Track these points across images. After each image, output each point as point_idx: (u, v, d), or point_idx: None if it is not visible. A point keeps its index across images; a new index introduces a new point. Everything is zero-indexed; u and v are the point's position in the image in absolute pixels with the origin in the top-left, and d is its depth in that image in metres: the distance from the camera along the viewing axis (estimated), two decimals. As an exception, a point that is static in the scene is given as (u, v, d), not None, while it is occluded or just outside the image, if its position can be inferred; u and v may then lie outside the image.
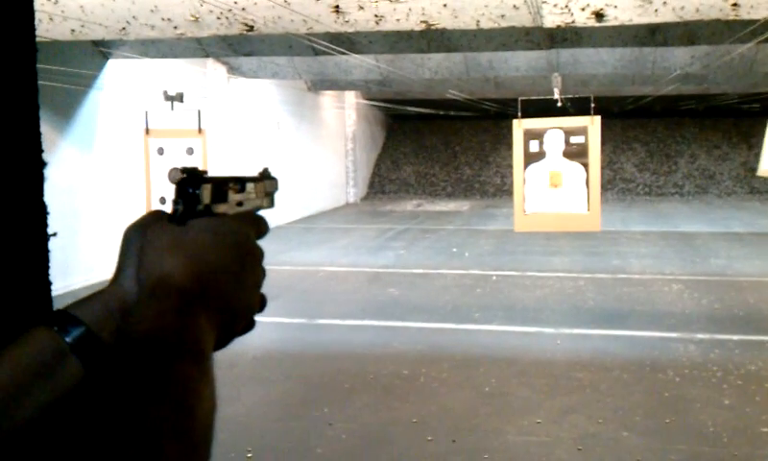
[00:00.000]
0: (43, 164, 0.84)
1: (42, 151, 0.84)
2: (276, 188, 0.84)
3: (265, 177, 0.82)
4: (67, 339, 0.64)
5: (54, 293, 0.85)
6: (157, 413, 0.54)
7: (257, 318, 0.75)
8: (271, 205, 0.82)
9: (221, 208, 0.71)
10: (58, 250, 0.94)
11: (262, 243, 0.76)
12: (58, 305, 0.73)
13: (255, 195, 0.79)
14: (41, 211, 0.83)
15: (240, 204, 0.75)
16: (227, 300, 0.67)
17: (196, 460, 0.56)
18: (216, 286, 0.66)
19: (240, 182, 0.75)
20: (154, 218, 0.70)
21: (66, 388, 0.63)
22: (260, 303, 0.73)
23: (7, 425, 0.58)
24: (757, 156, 23.68)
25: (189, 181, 0.69)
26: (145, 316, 0.61)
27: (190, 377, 0.58)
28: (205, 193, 0.69)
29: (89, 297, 0.69)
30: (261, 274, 0.73)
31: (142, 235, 0.68)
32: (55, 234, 0.87)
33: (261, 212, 0.79)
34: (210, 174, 0.71)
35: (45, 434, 0.60)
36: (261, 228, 0.75)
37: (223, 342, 0.68)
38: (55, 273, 0.86)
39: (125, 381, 0.55)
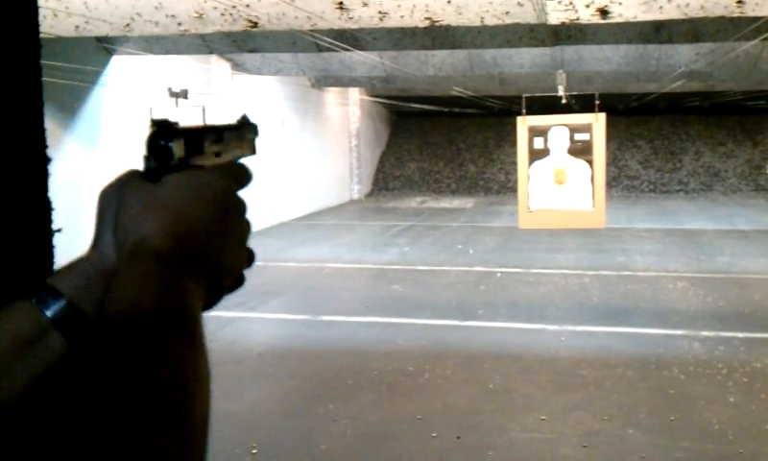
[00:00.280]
0: (48, 160, 0.84)
1: (47, 147, 0.84)
2: (256, 134, 0.77)
3: (244, 123, 0.76)
4: (47, 313, 0.61)
5: (59, 289, 0.85)
6: (150, 396, 0.50)
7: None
8: (252, 152, 0.76)
9: (198, 161, 0.66)
10: (62, 245, 0.92)
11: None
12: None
13: (235, 143, 0.73)
14: (46, 207, 0.83)
15: (218, 154, 0.69)
16: (211, 258, 0.62)
17: (197, 442, 0.52)
18: (198, 245, 0.61)
19: (217, 132, 0.70)
20: (129, 176, 0.65)
21: (49, 364, 0.60)
22: (248, 258, 0.68)
23: None
24: (763, 153, 23.64)
25: (160, 133, 0.63)
26: (126, 286, 0.56)
27: (182, 351, 0.53)
28: (179, 146, 0.64)
29: (69, 266, 0.66)
30: (246, 227, 0.68)
31: (117, 197, 0.64)
32: (60, 230, 0.86)
33: (243, 160, 0.73)
34: (185, 125, 0.66)
35: (30, 412, 0.58)
36: (242, 177, 0.69)
37: (212, 302, 0.64)
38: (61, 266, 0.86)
39: (110, 360, 0.51)
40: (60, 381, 0.60)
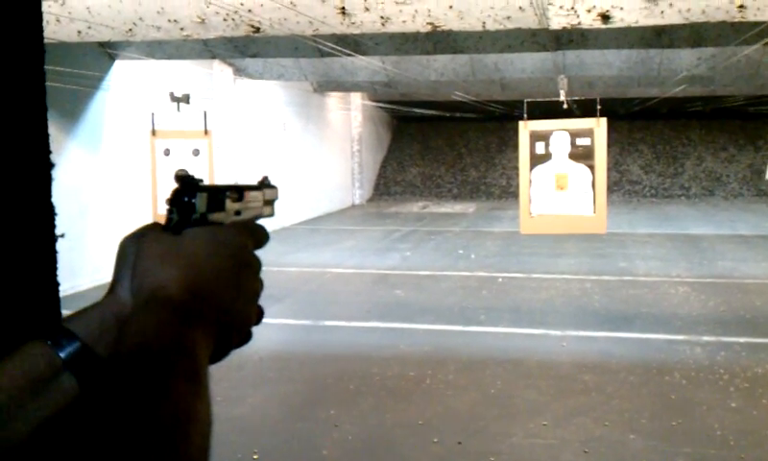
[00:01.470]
0: (51, 166, 0.84)
1: (50, 152, 0.85)
2: (276, 196, 0.81)
3: (264, 185, 0.79)
4: (61, 354, 0.62)
5: (61, 294, 0.85)
6: (150, 435, 0.51)
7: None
8: (271, 213, 0.80)
9: (218, 217, 0.69)
10: (65, 251, 0.92)
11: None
12: (65, 306, 0.73)
13: (254, 204, 0.76)
14: (49, 212, 0.83)
15: (238, 212, 0.72)
16: (223, 312, 0.64)
17: None
18: (212, 298, 0.63)
19: (238, 191, 0.73)
20: (149, 228, 0.68)
21: (61, 404, 0.61)
22: (258, 316, 0.70)
23: (0, 441, 0.57)
24: (765, 157, 23.63)
25: (184, 189, 0.67)
26: (138, 330, 0.58)
27: (185, 396, 0.55)
28: (201, 201, 0.67)
29: (86, 309, 0.67)
30: (259, 285, 0.70)
31: (137, 245, 0.66)
32: (62, 235, 0.87)
33: (261, 221, 0.76)
34: (207, 182, 0.69)
35: (40, 451, 0.59)
36: (259, 237, 0.72)
37: (219, 355, 0.65)
38: (62, 274, 0.86)
39: (117, 400, 0.53)
40: (70, 422, 0.60)
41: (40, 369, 0.61)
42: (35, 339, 0.63)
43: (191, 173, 0.67)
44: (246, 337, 0.69)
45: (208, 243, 0.65)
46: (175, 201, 0.66)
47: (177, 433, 0.52)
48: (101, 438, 0.50)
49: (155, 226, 0.68)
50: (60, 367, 0.62)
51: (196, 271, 0.63)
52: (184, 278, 0.62)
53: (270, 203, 0.79)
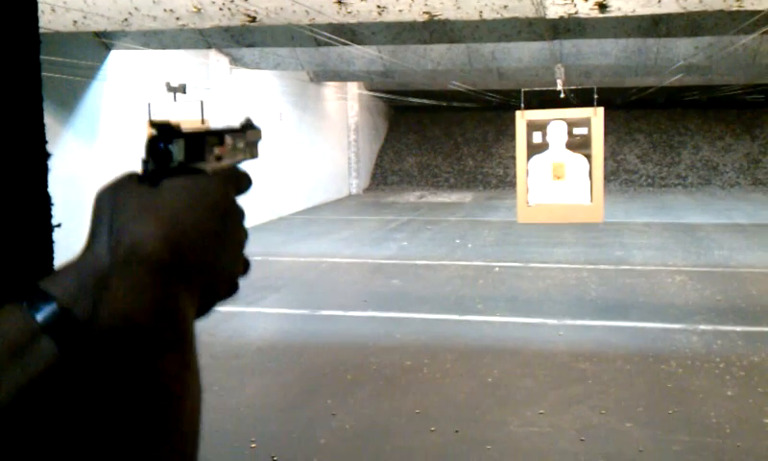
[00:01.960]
0: (47, 156, 0.84)
1: (46, 142, 0.85)
2: (259, 137, 0.75)
3: (247, 127, 0.74)
4: (38, 317, 0.60)
5: (58, 284, 0.85)
6: (138, 410, 0.49)
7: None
8: (254, 155, 0.74)
9: (198, 165, 0.64)
10: (62, 240, 0.92)
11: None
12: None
13: (237, 147, 0.70)
14: (46, 202, 0.84)
15: (219, 158, 0.67)
16: (207, 266, 0.61)
17: (184, 458, 0.52)
18: (194, 252, 0.59)
19: (218, 135, 0.67)
20: (126, 179, 0.63)
21: (40, 369, 0.59)
22: (244, 266, 0.66)
23: None
24: (762, 147, 23.63)
25: (160, 136, 0.62)
26: (118, 294, 0.54)
27: (172, 366, 0.53)
28: (179, 149, 0.62)
29: (63, 268, 0.64)
30: (243, 234, 0.66)
31: (113, 198, 0.62)
32: (59, 225, 0.86)
33: (244, 164, 0.71)
34: (185, 128, 0.65)
35: (19, 418, 0.57)
36: (242, 184, 0.67)
37: (205, 309, 0.62)
38: (59, 264, 0.86)
39: (100, 370, 0.50)
40: (50, 387, 0.59)
41: (16, 334, 0.58)
42: (9, 302, 0.60)
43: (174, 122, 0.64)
44: (232, 289, 0.66)
45: (188, 193, 0.61)
46: (151, 149, 0.62)
47: (167, 408, 0.51)
48: (84, 407, 0.49)
49: (131, 176, 0.63)
50: (37, 331, 0.59)
51: (176, 224, 0.59)
52: (164, 232, 0.58)
53: (253, 144, 0.74)
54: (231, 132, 0.70)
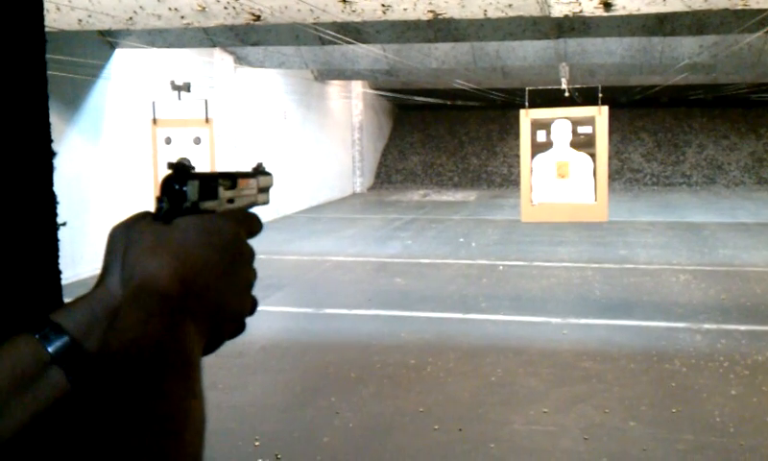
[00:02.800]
0: (53, 155, 0.85)
1: (52, 141, 0.85)
2: (270, 184, 0.78)
3: (258, 172, 0.77)
4: (49, 349, 0.61)
5: (63, 282, 0.86)
6: (144, 437, 0.50)
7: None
8: (266, 201, 0.78)
9: (210, 206, 0.66)
10: (67, 239, 0.92)
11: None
12: (67, 294, 0.74)
13: (248, 191, 0.74)
14: (51, 201, 0.84)
15: (231, 200, 0.70)
16: (215, 303, 0.63)
17: None
18: (204, 289, 0.61)
19: (231, 178, 0.70)
20: (139, 217, 0.66)
21: (50, 400, 0.60)
22: (251, 306, 0.69)
23: None
24: (766, 146, 23.58)
25: (175, 176, 0.64)
26: (128, 325, 0.56)
27: (178, 394, 0.53)
28: (193, 190, 0.64)
29: (75, 301, 0.65)
30: (252, 275, 0.68)
31: (127, 235, 0.64)
32: (64, 224, 0.87)
33: (255, 209, 0.74)
34: (209, 169, 0.66)
35: (30, 448, 0.58)
36: (253, 226, 0.69)
37: (212, 346, 0.64)
38: (64, 262, 0.87)
39: (108, 398, 0.51)
40: (60, 418, 0.60)
41: (28, 364, 0.59)
42: (22, 333, 0.61)
43: (191, 161, 0.66)
44: (239, 328, 0.67)
45: (200, 232, 0.63)
46: (166, 189, 0.64)
47: (170, 434, 0.51)
48: (92, 437, 0.49)
49: (145, 214, 0.66)
50: (47, 362, 0.60)
51: (187, 261, 0.61)
52: (175, 268, 0.60)
53: (264, 190, 0.77)
54: (244, 176, 0.73)
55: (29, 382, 0.59)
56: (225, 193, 0.69)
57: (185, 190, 0.64)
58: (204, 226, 0.64)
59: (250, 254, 0.67)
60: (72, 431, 0.51)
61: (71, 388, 0.61)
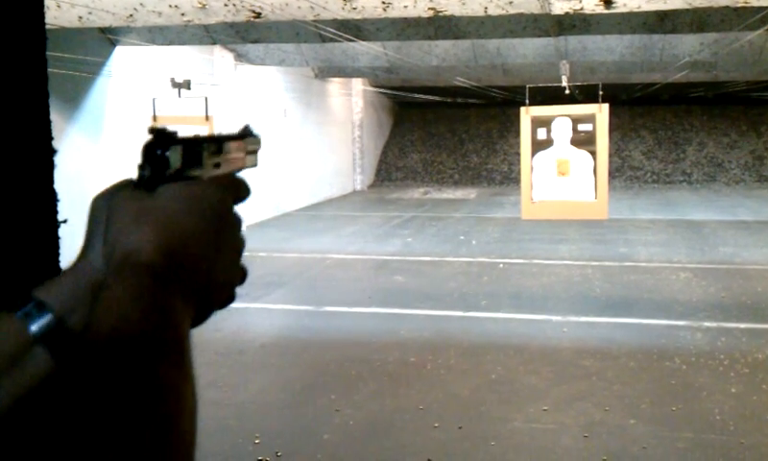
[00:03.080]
0: (53, 152, 0.85)
1: (52, 138, 0.85)
2: (258, 145, 0.74)
3: (246, 134, 0.73)
4: (32, 327, 0.58)
5: (64, 279, 0.85)
6: (136, 421, 0.49)
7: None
8: (254, 164, 0.73)
9: (195, 173, 0.63)
10: (67, 237, 0.92)
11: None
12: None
13: (235, 155, 0.69)
14: (52, 199, 0.84)
15: (217, 165, 0.66)
16: (203, 274, 0.60)
17: None
18: (190, 260, 0.58)
19: (217, 142, 0.66)
20: (122, 185, 0.62)
21: (35, 381, 0.57)
22: (241, 275, 0.65)
23: None
24: (767, 144, 23.57)
25: (156, 142, 0.61)
26: (111, 299, 0.54)
27: (169, 375, 0.52)
28: (176, 155, 0.61)
29: (58, 277, 0.62)
30: (240, 243, 0.65)
31: (108, 205, 0.61)
32: (65, 221, 0.87)
33: (242, 173, 0.70)
34: (183, 135, 0.64)
35: (16, 430, 0.56)
36: (240, 192, 0.66)
37: (201, 318, 0.61)
38: (65, 260, 0.86)
39: (97, 380, 0.49)
40: (45, 399, 0.57)
41: (9, 344, 0.57)
42: (2, 311, 0.59)
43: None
44: (228, 298, 0.65)
45: (185, 200, 0.60)
46: (147, 155, 0.61)
47: (163, 417, 0.50)
48: (81, 419, 0.48)
49: (127, 183, 0.62)
50: (31, 341, 0.57)
51: (172, 231, 0.58)
52: (160, 239, 0.57)
53: (252, 153, 0.73)
54: (230, 138, 0.69)
55: (13, 363, 0.56)
56: (210, 158, 0.65)
57: (168, 156, 0.61)
58: (188, 193, 0.61)
59: (237, 221, 0.65)
60: (59, 414, 0.49)
61: (56, 367, 0.58)
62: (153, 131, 0.61)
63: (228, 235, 0.63)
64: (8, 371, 0.57)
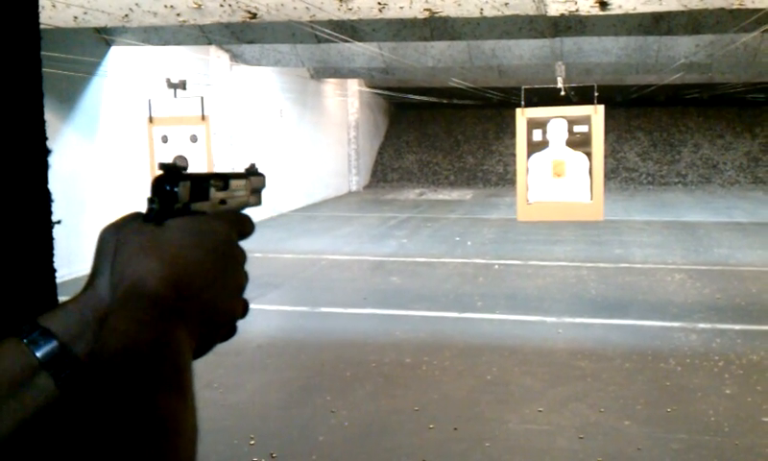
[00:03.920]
0: (47, 152, 0.84)
1: (47, 139, 0.85)
2: (263, 185, 0.77)
3: (251, 173, 0.76)
4: (37, 354, 0.59)
5: (58, 280, 0.85)
6: (135, 449, 0.49)
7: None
8: (258, 202, 0.76)
9: (201, 207, 0.66)
10: (61, 237, 0.92)
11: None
12: (62, 292, 0.73)
13: (240, 192, 0.72)
14: (46, 199, 0.84)
15: (223, 202, 0.69)
16: (206, 306, 0.61)
17: None
18: (195, 292, 0.60)
19: (223, 179, 0.69)
20: (130, 218, 0.64)
21: (39, 406, 0.59)
22: (243, 309, 0.68)
23: None
24: (762, 145, 23.63)
25: (166, 177, 0.63)
26: (118, 329, 0.55)
27: (170, 404, 0.52)
28: (184, 190, 0.64)
29: (64, 304, 0.64)
30: (244, 278, 0.67)
31: (117, 236, 0.63)
32: (59, 222, 0.86)
33: (247, 211, 0.73)
34: (206, 169, 0.65)
35: (18, 454, 0.57)
36: (245, 228, 0.68)
37: (203, 350, 0.63)
38: (59, 260, 0.86)
39: (99, 406, 0.50)
40: (49, 424, 0.59)
41: (15, 370, 0.58)
42: (10, 337, 0.60)
43: (187, 160, 0.66)
44: (230, 331, 0.67)
45: (191, 234, 0.62)
46: (156, 189, 0.63)
47: (163, 445, 0.51)
48: (81, 445, 0.48)
49: (136, 216, 0.64)
50: (36, 367, 0.59)
51: (178, 264, 0.60)
52: (166, 271, 0.59)
53: (256, 191, 0.76)
54: (236, 176, 0.72)
55: (17, 388, 0.58)
56: (216, 194, 0.68)
57: (176, 191, 0.63)
58: (195, 227, 0.63)
59: (241, 256, 0.67)
60: (61, 438, 0.50)
61: (60, 394, 0.60)
62: (163, 166, 0.64)
63: (232, 270, 0.65)
64: (13, 394, 0.58)
